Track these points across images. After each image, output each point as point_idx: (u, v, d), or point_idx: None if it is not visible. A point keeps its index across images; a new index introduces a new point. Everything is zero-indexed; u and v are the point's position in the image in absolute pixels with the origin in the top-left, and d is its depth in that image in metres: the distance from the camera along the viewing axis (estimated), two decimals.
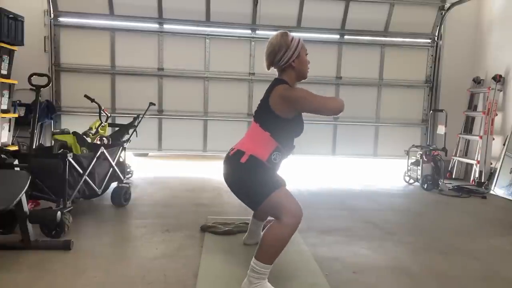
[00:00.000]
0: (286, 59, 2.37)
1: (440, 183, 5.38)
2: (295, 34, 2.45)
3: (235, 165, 2.33)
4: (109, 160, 3.79)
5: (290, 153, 2.50)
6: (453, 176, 6.39)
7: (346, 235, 3.29)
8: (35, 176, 2.84)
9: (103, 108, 4.81)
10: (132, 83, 6.20)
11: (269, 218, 2.87)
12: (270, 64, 2.44)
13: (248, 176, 2.29)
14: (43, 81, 3.16)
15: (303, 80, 2.46)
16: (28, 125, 5.03)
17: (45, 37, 5.90)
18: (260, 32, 6.31)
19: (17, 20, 4.89)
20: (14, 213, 2.62)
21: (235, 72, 6.38)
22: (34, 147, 3.56)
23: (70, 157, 3.13)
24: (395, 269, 2.65)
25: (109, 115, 5.04)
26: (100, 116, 4.75)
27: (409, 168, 5.86)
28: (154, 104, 5.11)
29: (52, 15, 5.90)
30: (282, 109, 2.30)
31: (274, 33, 2.44)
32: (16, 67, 4.99)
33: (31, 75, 3.20)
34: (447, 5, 6.43)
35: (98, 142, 4.41)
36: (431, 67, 6.75)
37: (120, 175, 4.01)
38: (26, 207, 2.66)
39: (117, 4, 6.02)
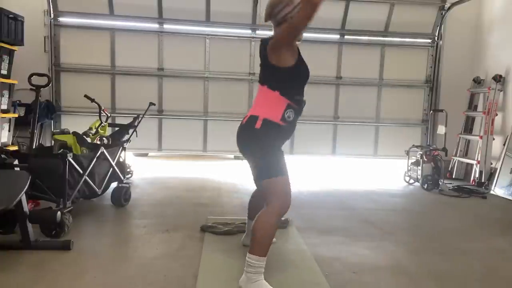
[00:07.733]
0: (284, 13, 2.34)
1: (440, 183, 5.38)
2: None
3: (250, 132, 2.35)
4: (109, 160, 3.79)
5: (302, 110, 2.45)
6: (453, 176, 6.38)
7: (346, 235, 3.29)
8: (35, 176, 2.83)
9: (103, 108, 4.80)
10: (132, 83, 6.20)
11: None
12: (268, 15, 2.41)
13: (264, 142, 2.31)
14: (43, 81, 3.17)
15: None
16: (28, 125, 5.03)
17: (45, 37, 5.90)
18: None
19: (17, 20, 4.90)
20: (14, 213, 2.62)
21: (235, 72, 6.37)
22: (34, 147, 3.56)
23: (70, 157, 3.13)
24: (395, 269, 2.65)
25: (109, 115, 5.04)
26: (100, 116, 4.76)
27: (409, 168, 5.85)
28: (154, 104, 5.11)
29: (52, 15, 5.90)
30: (281, 57, 2.29)
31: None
32: (16, 67, 5.00)
33: (31, 75, 3.21)
34: (447, 5, 6.43)
35: (98, 142, 4.41)
36: (431, 67, 6.75)
37: (120, 175, 4.01)
38: (26, 207, 2.66)
39: (117, 4, 6.02)
